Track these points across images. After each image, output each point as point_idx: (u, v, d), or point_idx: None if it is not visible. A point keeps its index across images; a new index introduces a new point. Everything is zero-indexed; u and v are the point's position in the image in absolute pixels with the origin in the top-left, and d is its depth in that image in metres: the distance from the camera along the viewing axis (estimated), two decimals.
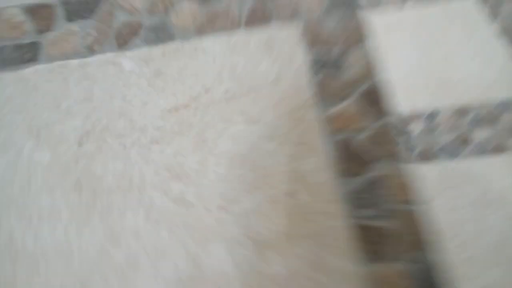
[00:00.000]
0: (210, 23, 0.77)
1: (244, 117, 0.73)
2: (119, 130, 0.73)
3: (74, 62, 0.75)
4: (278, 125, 0.72)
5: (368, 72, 0.72)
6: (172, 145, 0.72)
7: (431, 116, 0.69)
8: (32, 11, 0.77)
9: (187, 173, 0.71)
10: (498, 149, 0.65)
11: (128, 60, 0.75)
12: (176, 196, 0.69)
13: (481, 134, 0.67)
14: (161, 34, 0.76)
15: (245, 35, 0.76)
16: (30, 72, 0.75)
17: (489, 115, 0.68)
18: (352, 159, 0.67)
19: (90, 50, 0.76)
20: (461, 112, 0.68)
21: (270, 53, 0.75)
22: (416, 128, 0.69)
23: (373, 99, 0.70)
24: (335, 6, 0.76)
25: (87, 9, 0.77)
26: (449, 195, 0.65)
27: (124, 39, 0.76)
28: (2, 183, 0.70)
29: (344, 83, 0.72)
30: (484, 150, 0.65)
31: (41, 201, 0.70)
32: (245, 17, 0.77)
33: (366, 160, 0.67)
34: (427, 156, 0.66)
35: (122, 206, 0.69)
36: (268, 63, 0.75)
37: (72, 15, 0.77)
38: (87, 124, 0.73)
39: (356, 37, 0.74)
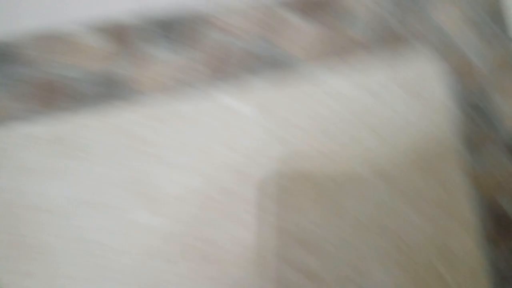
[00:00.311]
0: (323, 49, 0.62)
1: (371, 169, 0.62)
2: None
3: (169, 104, 0.61)
4: (412, 181, 0.62)
5: None
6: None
7: None
8: (101, 29, 0.60)
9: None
10: None
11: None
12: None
13: None
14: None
15: (368, 64, 0.62)
16: (115, 115, 0.61)
17: None
18: (506, 228, 0.59)
19: (187, 86, 0.61)
20: None
21: (403, 88, 0.62)
22: None
23: None
24: (485, 33, 0.60)
25: (180, 34, 0.60)
26: None
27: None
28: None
29: (497, 132, 0.60)
30: None
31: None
32: (368, 41, 0.62)
33: None
34: None
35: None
36: (401, 101, 0.62)
37: (158, 37, 0.61)
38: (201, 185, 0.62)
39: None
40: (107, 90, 0.60)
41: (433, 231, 0.61)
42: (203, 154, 0.60)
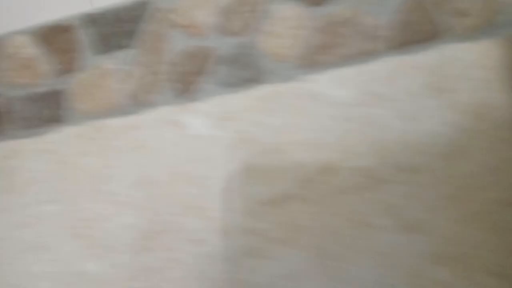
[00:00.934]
0: (327, 47, 0.43)
1: (394, 219, 0.43)
2: (193, 232, 0.47)
3: (114, 122, 0.48)
4: (454, 238, 0.41)
5: None
6: (275, 261, 0.45)
7: None
8: (45, 38, 0.49)
9: None
10: None
11: (195, 118, 0.47)
12: None
13: None
14: (243, 70, 0.45)
15: (391, 67, 0.42)
16: (54, 139, 0.50)
17: None
18: None
19: (136, 102, 0.48)
20: None
21: (440, 102, 0.42)
22: None
23: None
24: None
25: (123, 32, 0.47)
26: None
27: (185, 82, 0.47)
28: None
29: None
30: None
31: None
32: (389, 32, 0.42)
33: None
34: None
35: None
36: (439, 116, 0.42)
37: (102, 44, 0.48)
38: (151, 222, 0.48)
39: None
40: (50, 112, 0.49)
41: None
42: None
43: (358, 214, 0.44)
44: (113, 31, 0.47)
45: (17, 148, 0.51)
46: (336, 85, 0.44)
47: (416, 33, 0.42)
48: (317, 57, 0.44)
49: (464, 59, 0.42)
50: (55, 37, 0.49)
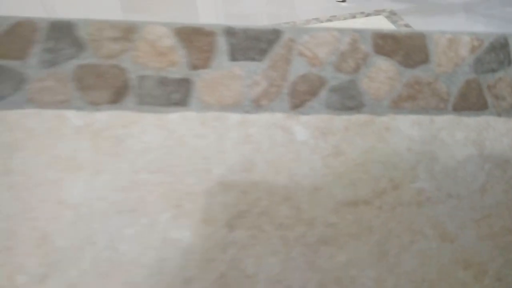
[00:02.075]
0: (410, 98, 0.60)
1: (438, 231, 0.58)
2: (281, 218, 0.57)
3: (234, 117, 0.58)
4: (477, 250, 0.58)
5: None
6: (345, 251, 0.57)
7: None
8: (185, 35, 0.58)
9: None
10: None
11: (302, 128, 0.59)
12: None
13: None
14: (347, 99, 0.59)
15: (452, 122, 0.60)
16: (176, 119, 0.58)
17: None
18: None
19: (256, 105, 0.59)
20: None
21: (480, 152, 0.60)
22: None
23: None
24: None
25: (257, 49, 0.59)
26: None
27: (300, 99, 0.59)
28: (127, 262, 0.55)
29: None
30: None
31: None
32: (454, 98, 0.60)
33: None
34: None
35: None
36: (476, 164, 0.59)
37: (238, 53, 0.59)
38: (242, 202, 0.57)
39: None
40: (175, 95, 0.58)
41: None
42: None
43: (414, 223, 0.58)
44: (249, 46, 0.59)
45: (136, 120, 0.57)
46: (412, 126, 0.60)
47: (471, 103, 0.61)
48: (402, 103, 0.60)
49: (499, 128, 0.61)
50: (196, 37, 0.59)
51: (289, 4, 1.95)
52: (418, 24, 1.66)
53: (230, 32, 0.59)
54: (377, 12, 1.82)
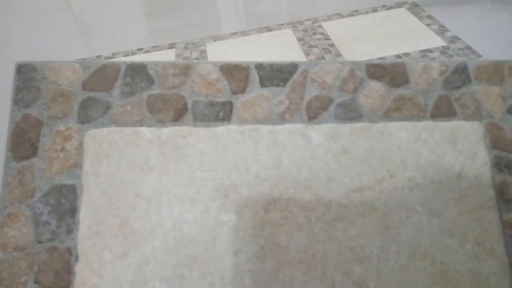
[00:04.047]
0: (397, 109, 0.79)
1: (427, 208, 0.75)
2: (305, 202, 0.75)
3: (265, 127, 0.77)
4: (458, 222, 0.74)
5: None
6: (355, 226, 0.74)
7: None
8: (227, 70, 0.79)
9: (368, 257, 0.73)
10: None
11: (317, 134, 0.77)
12: (357, 279, 0.71)
13: None
14: (350, 112, 0.79)
15: (430, 126, 0.79)
16: (222, 131, 0.77)
17: None
18: None
19: (281, 118, 0.78)
20: None
21: (454, 147, 0.78)
22: None
23: None
24: None
25: (281, 78, 0.79)
26: None
27: (314, 112, 0.78)
28: (188, 239, 0.72)
29: None
30: None
31: (225, 263, 0.71)
32: (430, 108, 0.80)
33: None
34: None
35: (304, 281, 0.71)
36: (452, 156, 0.77)
37: (266, 81, 0.79)
38: (274, 191, 0.75)
39: None
40: (220, 114, 0.77)
41: (474, 266, 0.72)
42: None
43: (408, 203, 0.75)
44: (275, 76, 0.79)
45: (193, 133, 0.77)
46: (400, 130, 0.79)
47: (443, 112, 0.80)
48: (391, 113, 0.80)
49: (467, 129, 0.80)
50: (235, 71, 0.79)
51: (309, 2, 1.86)
52: (441, 15, 1.60)
53: (260, 66, 0.79)
54: (399, 5, 1.76)
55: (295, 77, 0.80)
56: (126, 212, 0.72)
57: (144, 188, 0.73)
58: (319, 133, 0.78)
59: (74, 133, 0.75)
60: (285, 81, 0.79)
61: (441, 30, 1.56)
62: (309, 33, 1.71)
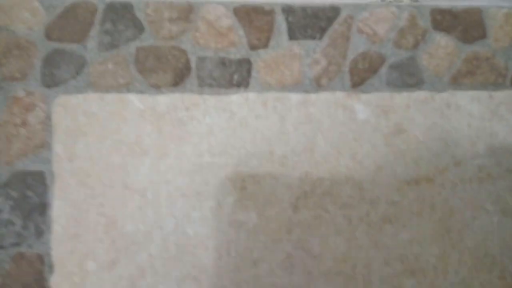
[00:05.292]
0: (469, 73, 0.60)
1: (499, 206, 0.59)
2: (344, 198, 0.58)
3: (295, 97, 0.58)
4: None
5: None
6: (408, 228, 0.58)
7: None
8: (243, 15, 0.57)
9: (423, 268, 0.58)
10: None
11: (363, 106, 0.58)
12: None
13: None
14: (407, 76, 0.59)
15: (511, 97, 0.60)
16: (237, 100, 0.57)
17: None
18: None
19: (316, 84, 0.58)
20: None
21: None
22: None
23: None
24: None
25: (317, 26, 0.58)
26: None
27: (360, 76, 0.59)
28: (194, 244, 0.56)
29: None
30: None
31: (241, 275, 0.56)
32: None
33: None
34: None
35: None
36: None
37: (297, 31, 0.58)
38: (305, 183, 0.58)
39: None
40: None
41: None
42: None
43: (475, 200, 0.59)
44: (309, 24, 0.58)
45: (199, 103, 0.57)
46: (472, 102, 0.60)
47: None
48: (461, 79, 0.60)
49: None
50: (255, 16, 0.58)
51: None
52: None
53: (288, 10, 0.58)
54: None
55: (336, 25, 0.58)
56: (113, 208, 0.55)
57: (136, 177, 0.56)
58: (366, 104, 0.58)
59: (38, 101, 0.55)
60: (322, 31, 0.58)
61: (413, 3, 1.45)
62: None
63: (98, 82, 0.56)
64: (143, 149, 0.56)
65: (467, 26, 0.60)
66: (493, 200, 0.59)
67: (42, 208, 0.55)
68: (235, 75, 0.57)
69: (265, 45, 0.58)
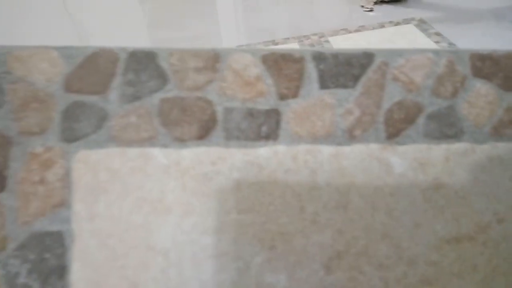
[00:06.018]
0: None
1: None
2: (381, 258, 0.54)
3: (326, 149, 0.54)
4: None
5: None
6: None
7: None
8: (272, 63, 0.54)
9: None
10: None
11: (399, 159, 0.55)
12: None
13: None
14: (446, 127, 0.55)
15: None
16: (266, 154, 0.54)
17: None
18: None
19: (349, 136, 0.55)
20: None
21: None
22: None
23: None
24: None
25: (349, 74, 0.55)
26: None
27: (396, 127, 0.55)
28: None
29: None
30: None
31: None
32: None
33: None
34: None
35: None
36: None
37: (328, 79, 0.55)
38: (339, 242, 0.54)
39: None
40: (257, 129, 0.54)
41: None
42: None
43: None
44: (341, 72, 0.55)
45: (225, 156, 0.54)
46: None
47: None
48: (503, 129, 0.56)
49: None
50: (284, 65, 0.55)
51: (313, 16, 1.95)
52: (449, 33, 1.64)
53: (319, 57, 0.55)
54: (406, 21, 1.79)
55: (370, 73, 0.55)
56: (135, 271, 0.52)
57: (159, 237, 0.52)
58: (403, 157, 0.55)
59: (57, 157, 0.52)
60: (355, 79, 0.55)
61: (451, 47, 1.57)
62: (315, 47, 1.64)
63: (120, 136, 0.53)
64: (166, 207, 0.53)
65: (509, 73, 0.57)
66: None
67: (61, 271, 0.52)
68: (263, 126, 0.54)
69: (295, 95, 0.55)
